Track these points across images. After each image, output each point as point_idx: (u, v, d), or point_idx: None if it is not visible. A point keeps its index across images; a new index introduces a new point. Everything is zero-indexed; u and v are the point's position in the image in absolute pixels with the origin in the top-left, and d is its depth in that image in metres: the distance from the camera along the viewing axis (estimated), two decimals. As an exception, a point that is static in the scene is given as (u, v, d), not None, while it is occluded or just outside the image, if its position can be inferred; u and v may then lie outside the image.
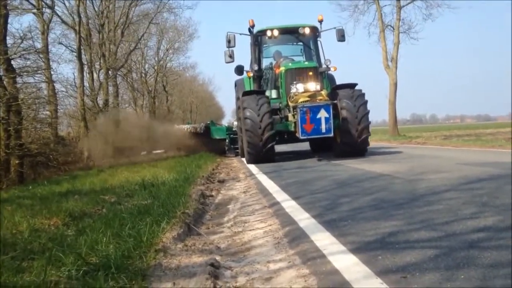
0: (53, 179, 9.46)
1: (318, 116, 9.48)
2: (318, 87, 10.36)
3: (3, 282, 2.41)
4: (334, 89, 11.05)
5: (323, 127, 9.49)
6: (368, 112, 10.34)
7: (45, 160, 12.88)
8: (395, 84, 26.79)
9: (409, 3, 27.27)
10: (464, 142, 15.33)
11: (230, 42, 11.99)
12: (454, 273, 2.27)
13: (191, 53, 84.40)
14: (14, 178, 11.05)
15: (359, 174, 7.00)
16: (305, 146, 14.77)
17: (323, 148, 12.58)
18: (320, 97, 10.04)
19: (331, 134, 9.61)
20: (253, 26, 12.27)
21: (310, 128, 9.55)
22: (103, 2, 22.04)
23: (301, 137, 9.91)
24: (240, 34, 12.35)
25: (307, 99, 9.96)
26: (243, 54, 14.03)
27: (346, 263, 2.57)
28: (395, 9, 27.31)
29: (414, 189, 5.07)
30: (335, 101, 10.22)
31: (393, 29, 27.35)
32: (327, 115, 9.47)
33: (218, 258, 3.03)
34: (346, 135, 10.16)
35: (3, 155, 10.88)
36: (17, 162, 11.30)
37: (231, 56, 12.28)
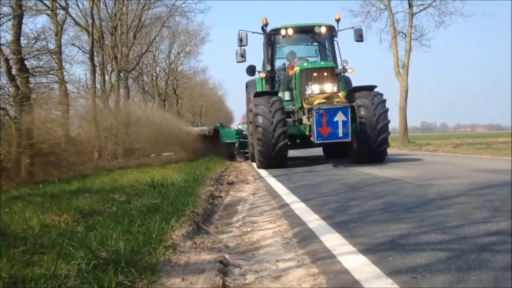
0: (64, 178, 9.51)
1: (335, 119, 8.91)
2: (335, 89, 9.89)
3: (13, 274, 2.43)
4: (352, 91, 10.38)
5: (340, 131, 8.92)
6: (388, 121, 9.69)
7: (55, 160, 12.97)
8: (406, 91, 26.69)
9: (421, 10, 27.26)
10: (475, 150, 15.19)
11: (242, 41, 11.55)
12: (465, 275, 2.24)
13: (202, 57, 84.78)
14: (25, 177, 11.13)
15: (369, 179, 6.97)
16: (317, 151, 14.26)
17: (338, 153, 12.01)
18: (337, 99, 9.57)
19: (349, 139, 9.03)
20: (266, 25, 11.78)
21: (326, 132, 8.97)
22: (116, 5, 22.24)
23: (316, 142, 9.26)
24: (253, 32, 11.93)
25: (323, 101, 9.49)
26: (255, 54, 13.67)
27: (356, 263, 2.55)
28: (407, 16, 27.30)
29: (425, 194, 5.03)
30: (353, 104, 9.62)
31: (405, 35, 27.30)
32: (344, 118, 8.91)
33: (227, 256, 3.02)
34: (363, 140, 9.56)
35: (14, 154, 10.98)
36: (28, 161, 11.39)
37: (243, 55, 11.78)
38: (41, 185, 7.82)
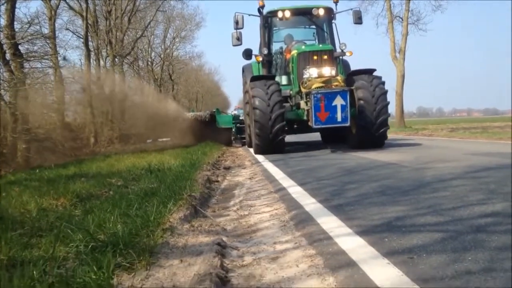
0: (60, 164, 9.49)
1: (333, 104, 8.69)
2: (334, 72, 9.64)
3: (12, 256, 2.44)
4: (350, 75, 10.13)
5: (339, 115, 8.70)
6: (387, 103, 9.57)
7: (51, 145, 12.93)
8: (403, 76, 26.67)
9: (418, -6, 27.06)
10: (471, 134, 15.25)
11: (238, 23, 11.30)
12: (461, 255, 2.27)
13: (197, 42, 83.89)
14: (21, 162, 11.10)
15: (365, 163, 6.99)
16: (314, 136, 14.30)
17: (336, 138, 11.90)
18: (336, 83, 9.32)
19: (348, 124, 8.82)
20: (263, 7, 11.45)
21: (325, 117, 8.75)
22: (110, -11, 21.96)
23: (314, 127, 9.04)
24: (249, 15, 11.72)
25: (322, 85, 9.25)
26: (252, 38, 13.26)
27: (353, 244, 2.57)
28: (404, -1, 27.10)
29: (421, 177, 5.06)
30: (352, 87, 9.37)
31: (402, 20, 27.17)
32: (343, 103, 8.69)
33: (224, 239, 3.04)
34: (362, 127, 9.38)
35: (10, 139, 10.94)
36: (24, 146, 11.35)
37: (239, 38, 11.55)
38: (37, 170, 7.80)
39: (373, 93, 9.31)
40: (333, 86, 9.20)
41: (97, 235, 2.74)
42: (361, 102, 9.34)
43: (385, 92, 9.54)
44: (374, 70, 10.03)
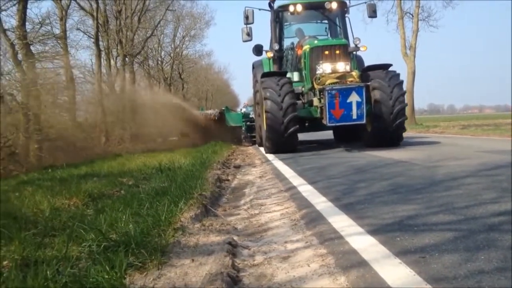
0: (72, 163, 9.58)
1: (348, 100, 8.36)
2: (348, 68, 9.32)
3: (25, 256, 2.46)
4: (365, 71, 9.77)
5: (354, 112, 8.38)
6: (404, 92, 9.22)
7: (63, 145, 13.04)
8: (413, 73, 26.48)
9: (429, -10, 26.83)
10: (483, 131, 15.09)
11: (248, 18, 10.98)
12: (474, 254, 2.25)
13: (207, 41, 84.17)
14: (33, 162, 11.22)
15: (376, 161, 6.96)
16: (325, 134, 14.08)
17: (349, 137, 11.48)
18: (351, 79, 9.02)
19: (363, 121, 8.50)
20: (273, 1, 11.11)
21: (339, 114, 8.42)
22: (120, -11, 22.06)
23: (329, 124, 8.68)
24: (260, 9, 11.41)
25: (336, 81, 8.93)
26: (262, 34, 12.88)
27: (364, 243, 2.56)
28: (414, -4, 26.89)
29: (433, 175, 5.02)
30: (368, 83, 9.00)
31: (412, 16, 26.97)
32: (359, 99, 8.35)
33: (235, 238, 3.05)
34: (378, 117, 8.98)
35: (22, 139, 11.05)
36: (36, 146, 11.47)
37: (249, 34, 11.17)
38: (49, 170, 7.88)
39: (390, 95, 8.98)
40: (348, 82, 8.90)
41: (109, 235, 2.77)
42: (378, 103, 9.02)
43: (403, 93, 9.24)
44: (390, 65, 9.73)
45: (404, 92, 9.28)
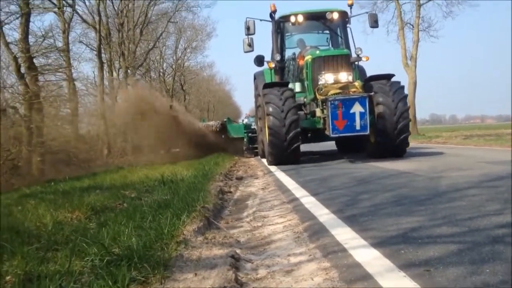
0: (74, 176, 9.59)
1: (352, 111, 8.28)
2: (350, 78, 9.26)
3: (28, 271, 2.46)
4: (367, 81, 9.73)
5: (358, 123, 8.30)
6: (408, 107, 9.24)
7: (66, 157, 13.07)
8: (415, 83, 26.50)
9: (429, 0, 27.00)
10: (486, 141, 15.07)
11: (249, 29, 10.89)
12: (479, 267, 2.23)
13: (208, 52, 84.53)
14: (36, 175, 11.24)
15: (379, 172, 6.94)
16: (327, 145, 13.98)
17: (352, 147, 11.43)
18: (354, 89, 8.89)
19: (367, 132, 8.43)
20: (274, 12, 11.05)
21: (343, 125, 8.34)
22: (122, 1, 22.28)
23: (332, 135, 8.61)
24: (261, 20, 11.27)
25: (339, 91, 8.82)
26: (263, 45, 12.87)
27: (368, 256, 2.55)
28: (414, 6, 27.05)
29: (436, 186, 5.01)
30: (371, 93, 8.94)
31: (413, 27, 27.08)
32: (362, 110, 8.28)
33: (238, 251, 3.04)
34: (382, 132, 8.97)
35: (25, 152, 11.08)
36: (38, 159, 11.49)
37: (250, 44, 11.12)
38: (52, 183, 7.88)
39: (392, 96, 8.99)
40: (351, 92, 8.80)
41: (112, 249, 2.76)
42: (380, 105, 8.99)
43: (407, 109, 9.21)
44: (392, 75, 9.69)
45: (408, 108, 9.27)
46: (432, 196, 4.34)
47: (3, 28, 11.82)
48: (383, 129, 8.96)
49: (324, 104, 8.82)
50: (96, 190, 5.99)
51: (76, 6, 18.08)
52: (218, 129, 15.65)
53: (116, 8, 22.31)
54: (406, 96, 9.32)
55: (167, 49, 33.77)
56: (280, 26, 11.44)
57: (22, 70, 11.56)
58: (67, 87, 16.73)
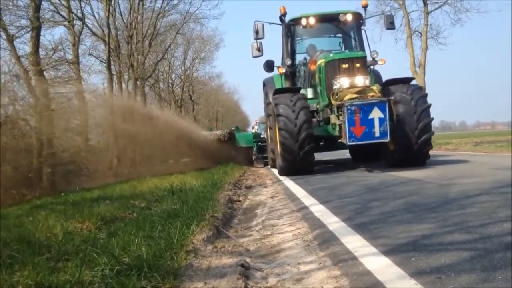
0: (84, 186, 9.65)
1: (370, 117, 7.69)
2: (367, 82, 8.68)
3: (39, 281, 2.47)
4: (385, 85, 9.10)
5: (377, 130, 7.70)
6: (429, 113, 8.57)
7: (76, 169, 13.14)
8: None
9: (436, 8, 26.94)
10: (496, 147, 14.93)
11: (258, 33, 10.45)
12: (491, 274, 2.21)
13: (216, 63, 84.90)
14: (47, 186, 11.31)
15: (389, 179, 6.90)
16: (339, 154, 13.74)
17: (368, 156, 10.78)
18: (372, 93, 8.26)
19: (387, 139, 7.80)
20: (284, 14, 10.57)
21: (361, 132, 7.74)
22: (131, 14, 22.49)
23: (349, 143, 7.97)
24: (270, 23, 10.86)
25: (356, 96, 8.19)
26: (272, 50, 12.46)
27: (379, 264, 2.53)
28: (422, 14, 27.00)
29: (447, 193, 4.97)
30: (391, 98, 8.28)
31: (421, 34, 27.01)
32: (381, 115, 7.69)
33: (248, 260, 3.03)
34: (402, 138, 8.33)
35: (36, 163, 11.17)
36: (49, 170, 11.57)
37: (259, 49, 10.60)
38: (62, 194, 7.93)
39: (414, 109, 8.38)
40: (369, 97, 8.16)
41: (122, 258, 2.77)
42: (401, 118, 8.41)
43: (428, 107, 8.60)
44: (412, 78, 9.14)
45: (429, 106, 8.64)
46: (443, 203, 4.30)
47: (15, 42, 11.99)
48: (403, 130, 8.37)
49: (339, 110, 8.27)
50: (105, 201, 6.02)
51: (86, 19, 18.29)
52: (226, 138, 15.51)
53: (125, 21, 22.52)
54: (426, 95, 8.80)
55: (175, 60, 34.01)
56: (290, 29, 10.94)
57: (33, 82, 11.69)
58: (77, 99, 16.87)
